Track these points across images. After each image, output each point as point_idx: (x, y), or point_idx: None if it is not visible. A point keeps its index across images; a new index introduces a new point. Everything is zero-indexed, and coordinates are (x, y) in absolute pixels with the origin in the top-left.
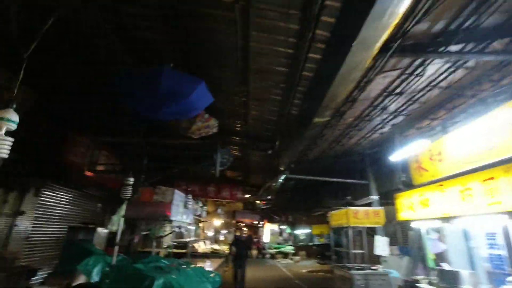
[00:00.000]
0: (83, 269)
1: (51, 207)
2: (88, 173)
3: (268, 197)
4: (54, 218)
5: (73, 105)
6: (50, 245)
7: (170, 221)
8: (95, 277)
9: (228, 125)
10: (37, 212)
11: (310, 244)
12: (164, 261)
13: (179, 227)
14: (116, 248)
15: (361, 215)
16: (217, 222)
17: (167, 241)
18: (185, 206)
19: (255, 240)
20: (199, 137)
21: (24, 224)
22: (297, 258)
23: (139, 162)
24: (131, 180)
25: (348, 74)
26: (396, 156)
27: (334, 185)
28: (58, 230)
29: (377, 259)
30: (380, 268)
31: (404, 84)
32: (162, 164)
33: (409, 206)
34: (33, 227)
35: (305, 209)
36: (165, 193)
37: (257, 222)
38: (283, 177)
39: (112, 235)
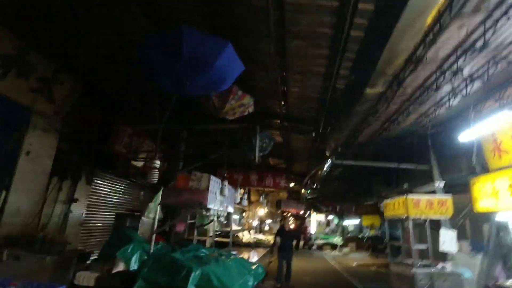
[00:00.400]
0: (122, 256)
1: (101, 195)
2: (133, 162)
3: (313, 186)
4: (104, 206)
5: (115, 93)
6: (100, 231)
7: (207, 209)
8: (133, 265)
9: (266, 105)
10: (89, 199)
11: (360, 236)
12: (204, 250)
13: (218, 216)
14: (154, 236)
15: (423, 205)
16: (261, 211)
17: (212, 230)
18: (222, 193)
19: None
20: (235, 118)
21: (78, 211)
22: (345, 250)
23: (176, 148)
24: (157, 163)
25: (412, 22)
26: (467, 136)
27: (388, 171)
28: (108, 217)
29: (441, 256)
30: (448, 266)
31: (489, 34)
32: (200, 150)
33: (492, 193)
34: (86, 213)
35: (354, 198)
36: (201, 179)
37: (303, 212)
38: (329, 163)
39: (159, 223)
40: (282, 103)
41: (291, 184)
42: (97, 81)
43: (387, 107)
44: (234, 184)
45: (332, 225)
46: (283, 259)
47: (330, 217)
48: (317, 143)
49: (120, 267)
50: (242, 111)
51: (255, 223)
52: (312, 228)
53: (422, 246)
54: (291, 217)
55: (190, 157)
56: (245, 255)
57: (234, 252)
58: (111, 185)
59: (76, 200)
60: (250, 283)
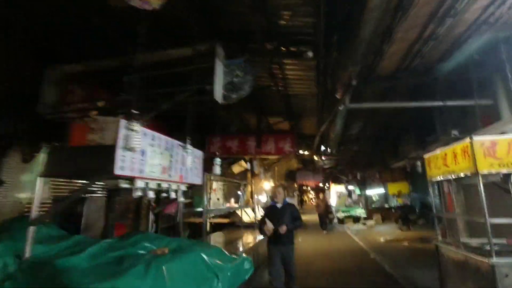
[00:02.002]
0: None
1: None
2: None
3: (328, 152)
4: None
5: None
6: None
7: (129, 180)
8: None
9: (236, 18)
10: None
11: (386, 206)
12: (148, 244)
13: (162, 192)
14: (31, 230)
15: (504, 150)
16: (267, 185)
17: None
18: (171, 155)
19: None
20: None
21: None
22: (370, 223)
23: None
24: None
25: None
26: None
27: (422, 123)
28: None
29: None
30: None
31: None
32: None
33: None
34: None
35: (378, 163)
36: (104, 128)
37: (322, 184)
38: (342, 109)
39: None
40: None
41: (300, 151)
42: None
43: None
44: (227, 153)
45: (354, 196)
46: (277, 257)
47: (351, 187)
48: (322, 77)
49: None
50: None
51: (263, 199)
52: (332, 201)
53: (504, 220)
54: (313, 191)
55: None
56: (244, 239)
57: (213, 244)
58: None
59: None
60: None
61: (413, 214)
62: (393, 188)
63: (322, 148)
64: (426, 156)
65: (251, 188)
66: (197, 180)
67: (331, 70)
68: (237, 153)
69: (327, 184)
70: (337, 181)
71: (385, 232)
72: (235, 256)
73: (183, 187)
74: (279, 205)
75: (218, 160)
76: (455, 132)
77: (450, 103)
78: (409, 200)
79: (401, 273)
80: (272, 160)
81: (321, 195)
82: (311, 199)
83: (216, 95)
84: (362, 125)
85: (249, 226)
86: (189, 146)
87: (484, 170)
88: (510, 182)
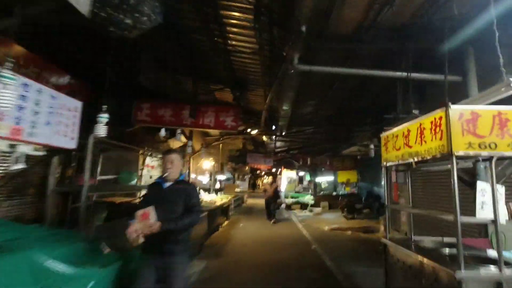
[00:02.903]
0: None
1: None
2: None
3: (279, 133)
4: None
5: None
6: None
7: None
8: None
9: None
10: None
11: (334, 193)
12: None
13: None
14: None
15: (487, 124)
16: (207, 164)
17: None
18: None
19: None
20: None
21: None
22: (317, 210)
23: None
24: None
25: None
26: None
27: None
28: None
29: (473, 229)
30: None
31: None
32: None
33: None
34: None
35: (330, 149)
36: None
37: (274, 169)
38: (289, 70)
39: None
40: None
41: (248, 129)
42: None
43: None
44: (159, 123)
45: (305, 183)
46: (147, 275)
47: (302, 173)
48: (264, 24)
49: None
50: None
51: (204, 179)
52: (282, 186)
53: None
54: (267, 175)
55: None
56: None
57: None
58: None
59: None
60: None
61: (359, 203)
62: (343, 176)
63: (273, 127)
64: (383, 134)
65: (188, 166)
66: (65, 142)
67: (277, 15)
68: (170, 123)
69: (279, 169)
70: (289, 166)
71: (330, 220)
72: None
73: (27, 148)
74: (166, 184)
75: (104, 117)
76: (416, 112)
77: (415, 75)
78: (356, 189)
79: (341, 269)
80: (214, 137)
81: (269, 178)
82: (264, 183)
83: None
84: (315, 104)
85: None
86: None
87: (460, 151)
88: (478, 171)
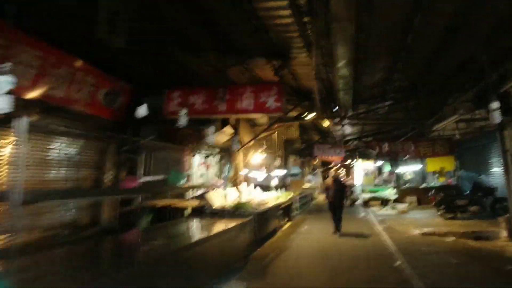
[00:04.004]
0: None
1: None
2: None
3: (342, 113)
4: None
5: None
6: None
7: None
8: None
9: None
10: None
11: (423, 186)
12: None
13: None
14: None
15: None
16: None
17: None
18: None
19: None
20: None
21: None
22: (402, 207)
23: None
24: None
25: None
26: None
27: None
28: None
29: None
30: None
31: None
32: None
33: None
34: None
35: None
36: None
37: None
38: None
39: None
40: None
41: (294, 112)
42: None
43: None
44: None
45: (385, 174)
46: None
47: (380, 163)
48: None
49: None
50: None
51: (256, 175)
52: (357, 179)
53: None
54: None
55: None
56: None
57: None
58: None
59: None
60: None
61: (461, 199)
62: (434, 164)
63: (333, 108)
64: None
65: (239, 161)
66: None
67: None
68: (203, 112)
69: (354, 160)
70: (364, 156)
71: (421, 221)
72: None
73: None
74: None
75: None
76: None
77: None
78: (455, 180)
79: None
80: (261, 125)
81: (332, 172)
82: (325, 181)
83: None
84: (387, 68)
85: (222, 215)
86: None
87: None
88: None
